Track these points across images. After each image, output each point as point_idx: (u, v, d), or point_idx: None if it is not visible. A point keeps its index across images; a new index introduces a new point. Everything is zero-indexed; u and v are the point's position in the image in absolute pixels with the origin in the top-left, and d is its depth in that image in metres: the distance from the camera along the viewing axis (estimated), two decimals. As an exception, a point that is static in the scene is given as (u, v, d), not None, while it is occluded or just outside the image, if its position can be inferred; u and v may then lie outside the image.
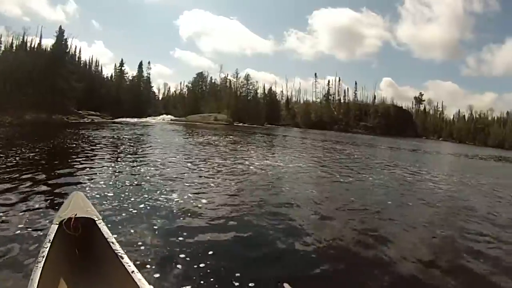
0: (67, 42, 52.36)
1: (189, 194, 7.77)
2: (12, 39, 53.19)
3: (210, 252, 4.68)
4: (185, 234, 5.25)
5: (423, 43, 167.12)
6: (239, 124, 72.17)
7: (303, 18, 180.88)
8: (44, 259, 2.77)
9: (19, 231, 4.82)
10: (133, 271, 2.76)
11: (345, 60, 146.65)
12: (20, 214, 5.59)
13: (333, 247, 5.42)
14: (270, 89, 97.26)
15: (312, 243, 5.46)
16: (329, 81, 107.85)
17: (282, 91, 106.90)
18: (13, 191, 7.00)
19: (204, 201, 7.31)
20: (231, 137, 32.45)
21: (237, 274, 4.13)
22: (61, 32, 50.86)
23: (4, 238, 4.59)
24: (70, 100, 48.44)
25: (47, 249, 2.91)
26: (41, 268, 2.65)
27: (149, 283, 2.71)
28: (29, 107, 41.92)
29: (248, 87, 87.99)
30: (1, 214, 5.53)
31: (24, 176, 8.42)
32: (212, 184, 9.18)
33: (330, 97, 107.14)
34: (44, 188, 7.42)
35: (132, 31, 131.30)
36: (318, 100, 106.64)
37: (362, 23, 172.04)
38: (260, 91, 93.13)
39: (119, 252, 3.00)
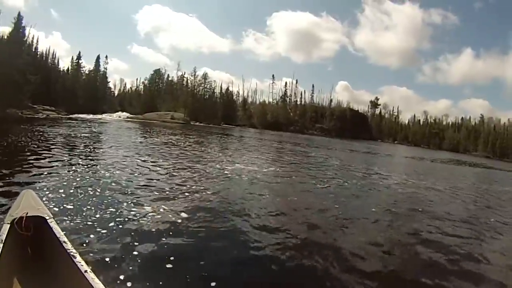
0: (25, 31, 49.28)
1: (155, 200, 7.48)
2: None
3: (168, 259, 4.60)
4: (143, 237, 5.18)
5: (380, 49, 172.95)
6: (195, 123, 71.97)
7: (262, 20, 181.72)
8: None
9: None
10: (86, 270, 2.78)
11: (302, 63, 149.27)
12: None
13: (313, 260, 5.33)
14: (227, 88, 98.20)
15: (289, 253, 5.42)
16: (286, 83, 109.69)
17: (238, 91, 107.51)
18: None
19: (174, 208, 7.00)
20: (192, 137, 31.90)
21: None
22: (19, 19, 47.43)
23: None
24: (24, 94, 45.90)
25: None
26: None
27: (103, 283, 2.73)
28: None
29: (205, 86, 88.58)
30: None
31: None
32: (182, 189, 8.79)
33: (286, 98, 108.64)
34: None
35: (91, 23, 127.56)
36: (275, 101, 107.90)
37: (320, 27, 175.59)
38: (217, 90, 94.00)
39: (72, 252, 3.00)
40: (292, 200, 9.38)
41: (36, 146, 14.50)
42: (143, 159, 13.79)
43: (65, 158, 11.96)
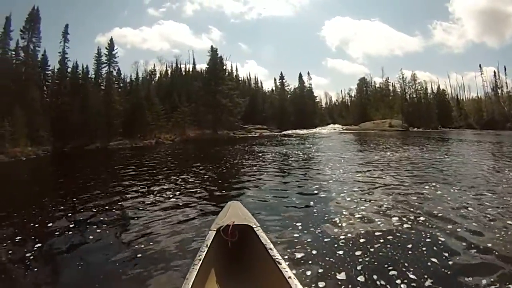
0: (222, 60, 47.50)
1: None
2: (166, 67, 56.44)
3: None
4: (355, 253, 4.33)
5: None
6: (413, 129, 58.88)
7: (442, 7, 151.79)
8: (200, 261, 2.80)
9: (180, 235, 5.07)
10: (290, 276, 2.56)
11: (498, 47, 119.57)
12: (182, 220, 5.91)
13: None
14: (439, 87, 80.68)
15: None
16: (494, 72, 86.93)
17: (444, 90, 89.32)
18: (178, 199, 7.61)
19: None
20: (435, 146, 21.45)
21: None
22: (213, 50, 46.28)
23: (167, 240, 4.88)
24: (234, 116, 44.58)
25: (204, 252, 2.94)
26: (197, 270, 2.69)
27: None
28: (192, 125, 41.94)
29: (416, 87, 73.36)
30: (167, 218, 6.02)
31: (189, 187, 9.01)
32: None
33: (498, 91, 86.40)
34: (203, 196, 7.82)
35: (279, 48, 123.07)
36: (484, 95, 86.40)
37: (503, 0, 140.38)
38: (427, 91, 77.86)
39: (277, 258, 2.82)
40: None
41: (252, 163, 14.08)
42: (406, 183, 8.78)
43: (290, 175, 10.70)
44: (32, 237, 5.31)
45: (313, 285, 3.58)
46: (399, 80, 71.42)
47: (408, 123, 61.51)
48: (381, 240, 4.73)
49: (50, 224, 5.93)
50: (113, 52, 39.46)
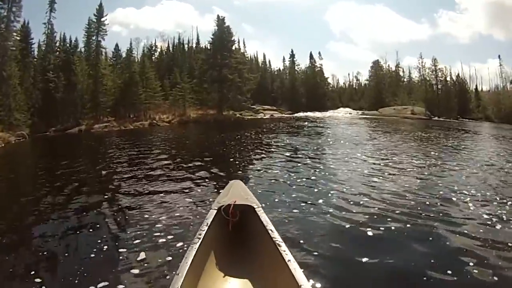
0: (230, 30, 39.88)
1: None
2: (168, 44, 52.15)
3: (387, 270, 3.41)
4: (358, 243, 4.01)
5: None
6: (434, 118, 51.81)
7: None
8: (200, 240, 2.68)
9: (180, 214, 4.90)
10: (289, 260, 2.42)
11: (505, 40, 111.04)
12: (183, 199, 5.70)
13: None
14: (458, 75, 73.11)
15: None
16: (514, 65, 79.58)
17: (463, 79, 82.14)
18: (182, 178, 7.35)
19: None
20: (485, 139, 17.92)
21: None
22: (220, 19, 39.40)
23: (167, 220, 4.69)
24: (244, 94, 38.08)
25: (204, 231, 2.81)
26: (196, 249, 2.57)
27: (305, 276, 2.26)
28: (193, 104, 35.89)
29: (436, 74, 66.72)
30: (168, 197, 5.82)
31: (194, 166, 8.77)
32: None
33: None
34: (206, 176, 7.54)
35: (282, 31, 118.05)
36: (494, 88, 79.20)
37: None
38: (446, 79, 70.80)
39: (277, 240, 2.69)
40: None
41: (258, 148, 12.69)
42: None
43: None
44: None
45: (313, 269, 3.35)
46: (418, 65, 64.63)
47: (429, 111, 55.87)
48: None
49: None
50: (102, 19, 32.68)
